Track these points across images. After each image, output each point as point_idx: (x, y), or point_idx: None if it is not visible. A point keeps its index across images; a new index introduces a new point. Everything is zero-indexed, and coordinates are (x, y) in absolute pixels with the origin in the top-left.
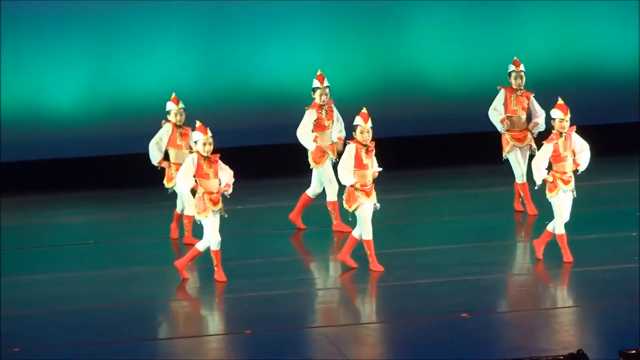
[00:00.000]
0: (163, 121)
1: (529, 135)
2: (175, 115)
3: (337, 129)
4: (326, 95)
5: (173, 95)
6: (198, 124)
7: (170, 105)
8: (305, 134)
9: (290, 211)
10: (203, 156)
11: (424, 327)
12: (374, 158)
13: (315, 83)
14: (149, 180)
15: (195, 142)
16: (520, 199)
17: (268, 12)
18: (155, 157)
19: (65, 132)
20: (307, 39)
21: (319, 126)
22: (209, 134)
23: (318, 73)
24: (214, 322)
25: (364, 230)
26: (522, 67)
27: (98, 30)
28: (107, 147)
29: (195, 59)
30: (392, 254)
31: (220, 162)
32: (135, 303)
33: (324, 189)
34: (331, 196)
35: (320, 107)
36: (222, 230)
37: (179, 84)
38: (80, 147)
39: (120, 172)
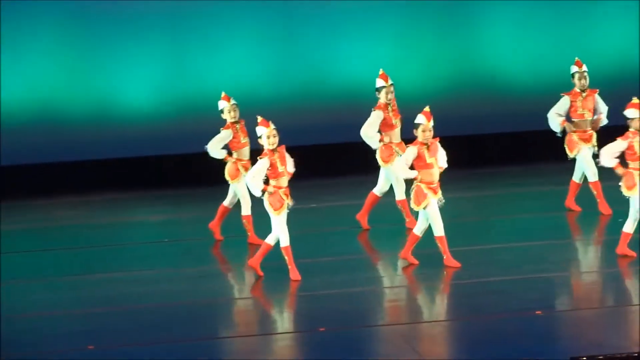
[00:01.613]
0: (221, 129)
1: (595, 135)
2: (229, 112)
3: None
4: (392, 93)
5: (223, 94)
6: (260, 118)
7: (223, 104)
8: (370, 135)
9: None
10: (271, 150)
11: (498, 324)
12: (442, 153)
13: (380, 82)
14: (223, 178)
15: (260, 137)
16: (574, 197)
17: (340, 9)
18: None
19: (139, 130)
20: (380, 36)
21: (386, 125)
22: (272, 126)
23: (381, 72)
24: (286, 320)
25: (435, 227)
26: (584, 68)
27: (171, 29)
28: (182, 145)
29: (267, 57)
30: (467, 252)
31: (285, 152)
32: (207, 301)
33: (391, 187)
34: (399, 195)
35: (386, 106)
36: (295, 228)
37: (251, 82)
38: (156, 145)
39: (196, 170)
